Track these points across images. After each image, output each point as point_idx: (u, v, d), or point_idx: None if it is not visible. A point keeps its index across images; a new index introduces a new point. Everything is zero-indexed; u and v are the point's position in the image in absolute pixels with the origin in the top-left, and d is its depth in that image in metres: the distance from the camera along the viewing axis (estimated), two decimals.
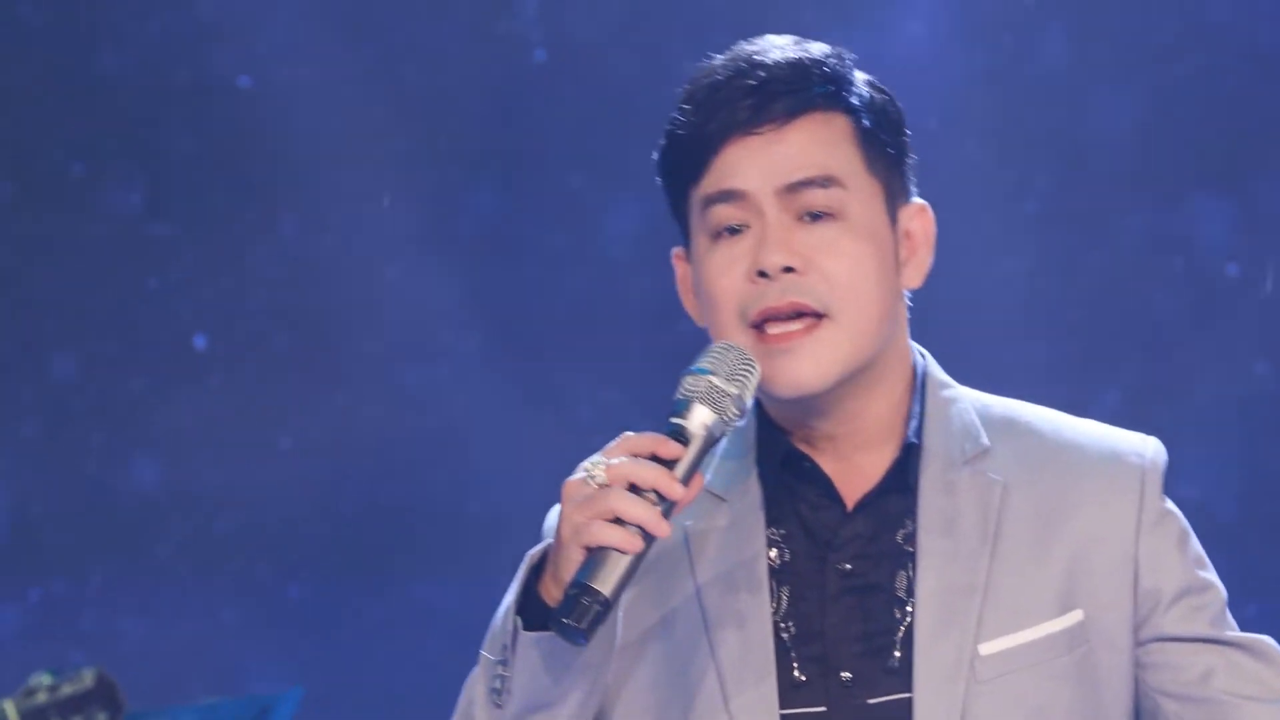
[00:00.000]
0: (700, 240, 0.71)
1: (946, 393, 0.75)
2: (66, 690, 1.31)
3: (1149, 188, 3.99)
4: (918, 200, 0.76)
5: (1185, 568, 0.70)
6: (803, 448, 0.72)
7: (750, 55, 0.70)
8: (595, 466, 0.58)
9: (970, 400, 0.76)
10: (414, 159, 3.94)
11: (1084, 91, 3.95)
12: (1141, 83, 3.97)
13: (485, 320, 4.54)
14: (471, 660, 2.70)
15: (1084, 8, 3.93)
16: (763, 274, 0.65)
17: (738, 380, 0.61)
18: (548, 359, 4.16)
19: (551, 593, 0.59)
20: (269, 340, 4.09)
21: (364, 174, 3.88)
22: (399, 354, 4.16)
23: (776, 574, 0.70)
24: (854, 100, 0.70)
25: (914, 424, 0.73)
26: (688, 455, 0.59)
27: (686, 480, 0.58)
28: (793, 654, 0.67)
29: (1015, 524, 0.69)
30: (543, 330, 4.02)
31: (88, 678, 1.29)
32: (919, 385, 0.75)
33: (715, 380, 0.61)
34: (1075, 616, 0.67)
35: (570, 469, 2.55)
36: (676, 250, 0.79)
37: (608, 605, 0.54)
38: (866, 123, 0.70)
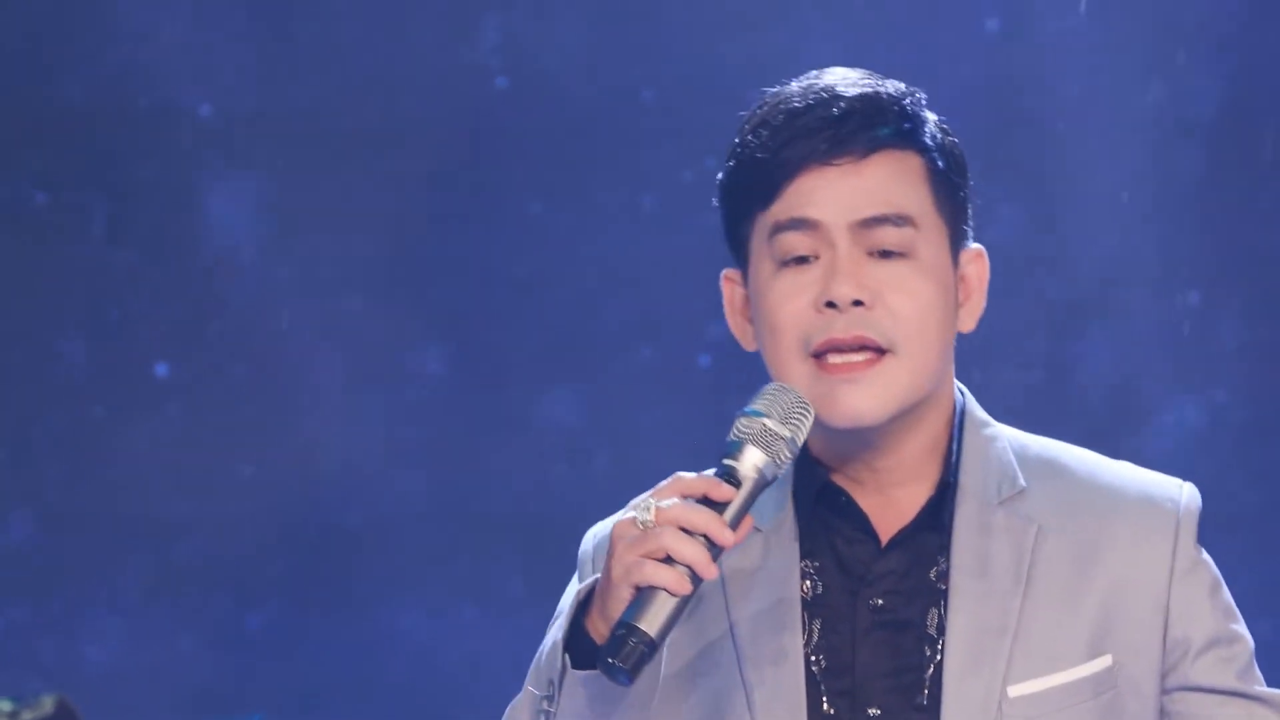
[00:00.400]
0: (764, 265, 0.70)
1: (986, 431, 0.76)
2: (26, 717, 1.32)
3: (1106, 216, 3.97)
4: (975, 245, 0.76)
5: (1215, 618, 0.71)
6: (840, 481, 0.72)
7: (830, 86, 0.70)
8: (647, 510, 0.58)
9: (1008, 439, 0.76)
10: (375, 185, 3.95)
11: (1040, 117, 3.96)
12: (1099, 107, 3.97)
13: (447, 346, 4.52)
14: (433, 684, 2.68)
15: (1038, 33, 3.95)
16: (831, 305, 0.65)
17: (792, 424, 0.61)
18: (510, 385, 4.15)
19: (599, 629, 0.59)
20: (230, 367, 4.09)
21: (325, 200, 3.89)
22: (361, 380, 4.16)
23: (809, 606, 0.70)
24: (928, 140, 0.71)
25: (952, 462, 0.73)
26: (738, 498, 0.59)
27: (736, 524, 0.58)
28: (822, 687, 0.68)
29: (1048, 567, 0.69)
30: (505, 356, 4.01)
31: (48, 704, 1.30)
32: (958, 423, 0.75)
33: (769, 423, 0.60)
34: (1104, 662, 0.67)
35: (534, 494, 2.56)
36: (728, 272, 0.78)
37: (653, 646, 0.54)
38: (940, 164, 0.71)
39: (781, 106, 0.70)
